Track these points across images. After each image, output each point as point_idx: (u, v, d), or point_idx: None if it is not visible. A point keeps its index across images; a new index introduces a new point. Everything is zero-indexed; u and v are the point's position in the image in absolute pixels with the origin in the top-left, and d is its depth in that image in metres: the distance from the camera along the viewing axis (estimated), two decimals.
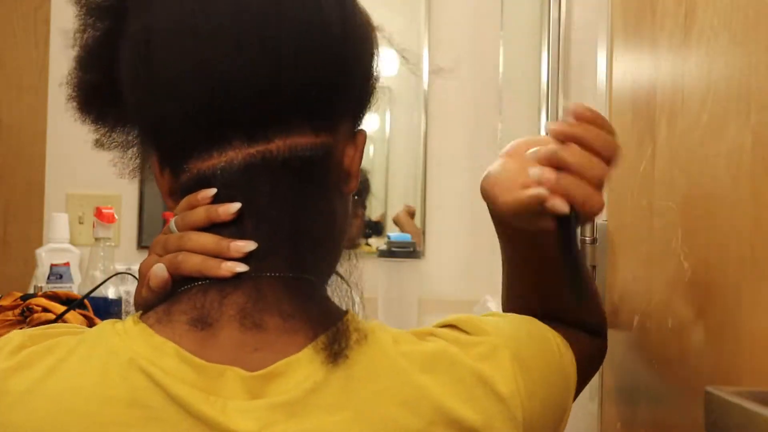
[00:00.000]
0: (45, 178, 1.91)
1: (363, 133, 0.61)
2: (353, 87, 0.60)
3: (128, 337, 0.52)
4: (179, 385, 0.49)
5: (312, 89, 0.56)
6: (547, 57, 1.39)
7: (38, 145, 1.89)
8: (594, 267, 0.94)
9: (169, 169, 0.59)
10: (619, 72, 0.93)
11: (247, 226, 0.55)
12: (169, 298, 0.55)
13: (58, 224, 1.79)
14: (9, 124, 1.82)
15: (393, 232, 1.96)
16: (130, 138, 0.65)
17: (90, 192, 1.92)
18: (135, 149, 0.66)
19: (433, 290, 2.00)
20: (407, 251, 1.86)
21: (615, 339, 0.91)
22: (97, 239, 1.66)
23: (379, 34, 0.62)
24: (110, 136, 0.66)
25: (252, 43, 0.54)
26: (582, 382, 0.67)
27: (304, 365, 0.51)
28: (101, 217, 1.67)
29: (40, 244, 1.81)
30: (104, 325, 0.54)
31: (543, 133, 1.39)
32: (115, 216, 1.71)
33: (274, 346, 0.52)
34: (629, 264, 0.85)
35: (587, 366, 0.70)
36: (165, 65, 0.56)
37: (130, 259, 1.92)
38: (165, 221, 2.24)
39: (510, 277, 0.73)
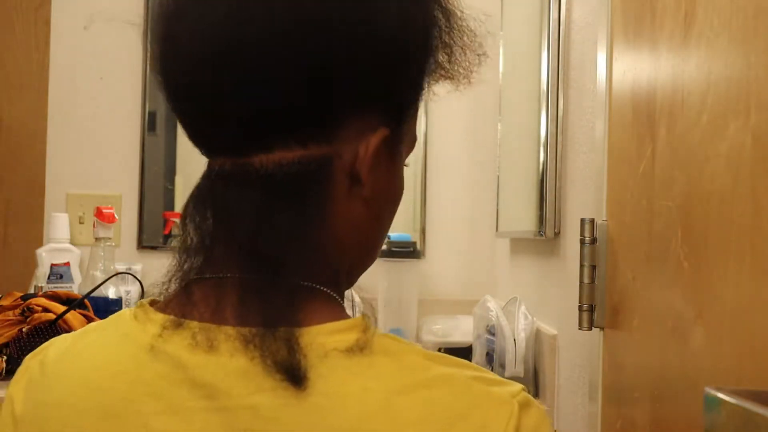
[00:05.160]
0: (45, 178, 1.91)
1: (382, 131, 0.53)
2: (351, 81, 0.52)
3: (148, 322, 0.52)
4: (199, 371, 0.49)
5: (294, 105, 0.50)
6: (547, 57, 1.39)
7: (38, 145, 1.90)
8: (594, 267, 0.94)
9: None
10: (619, 72, 0.93)
11: (216, 231, 0.52)
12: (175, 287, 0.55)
13: (59, 224, 1.79)
14: (9, 124, 1.82)
15: (393, 232, 1.95)
16: None
17: (90, 192, 1.92)
18: None
19: (433, 290, 2.00)
20: (407, 251, 1.86)
21: (615, 339, 0.91)
22: (97, 239, 1.66)
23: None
24: None
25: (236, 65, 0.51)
26: None
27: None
28: (101, 217, 1.67)
29: (40, 244, 1.81)
30: (121, 312, 0.55)
31: (543, 132, 1.39)
32: (116, 216, 1.71)
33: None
34: (629, 264, 0.85)
35: None
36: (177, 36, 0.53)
37: (131, 259, 1.92)
38: (166, 221, 2.24)
39: None
